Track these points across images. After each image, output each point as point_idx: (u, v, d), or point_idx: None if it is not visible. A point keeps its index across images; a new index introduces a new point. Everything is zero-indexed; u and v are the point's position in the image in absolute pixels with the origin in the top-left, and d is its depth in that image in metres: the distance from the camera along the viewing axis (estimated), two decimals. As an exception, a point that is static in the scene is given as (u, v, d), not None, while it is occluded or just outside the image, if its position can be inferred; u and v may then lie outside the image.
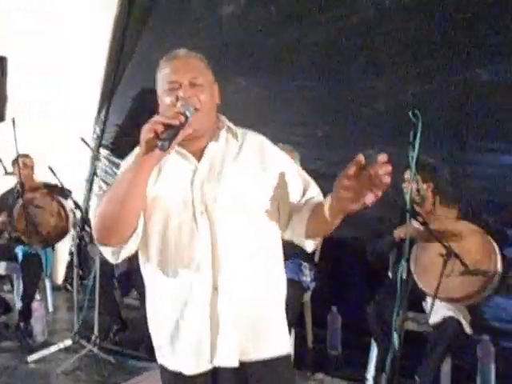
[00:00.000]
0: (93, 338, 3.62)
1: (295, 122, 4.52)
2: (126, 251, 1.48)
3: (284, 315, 1.65)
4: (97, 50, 5.45)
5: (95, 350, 3.55)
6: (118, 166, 5.24)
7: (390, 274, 3.39)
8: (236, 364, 1.50)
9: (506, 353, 3.19)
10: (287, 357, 1.57)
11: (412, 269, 2.90)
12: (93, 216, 1.43)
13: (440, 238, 2.83)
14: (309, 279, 3.45)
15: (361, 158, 1.24)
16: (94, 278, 3.60)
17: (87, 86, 5.53)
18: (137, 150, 1.41)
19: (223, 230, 1.48)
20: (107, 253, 1.49)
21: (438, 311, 2.87)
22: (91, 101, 5.64)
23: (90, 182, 5.84)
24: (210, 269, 1.45)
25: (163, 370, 1.59)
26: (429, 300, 2.93)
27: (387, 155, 1.21)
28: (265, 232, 1.56)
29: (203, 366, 1.50)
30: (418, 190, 3.06)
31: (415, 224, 3.02)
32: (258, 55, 4.73)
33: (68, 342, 3.70)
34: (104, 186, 5.60)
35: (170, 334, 1.53)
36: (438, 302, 2.81)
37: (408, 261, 2.19)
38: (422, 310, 3.11)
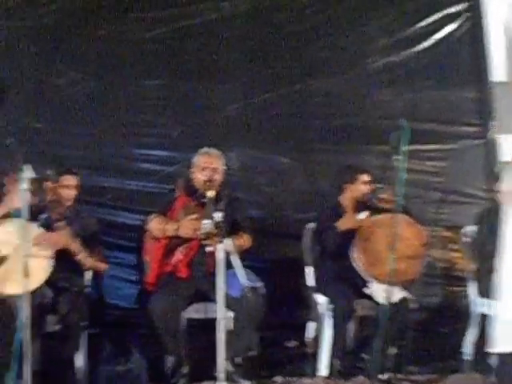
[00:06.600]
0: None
1: (146, 123, 4.44)
2: None
3: None
4: None
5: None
6: None
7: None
8: None
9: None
10: None
11: (360, 259, 3.36)
12: None
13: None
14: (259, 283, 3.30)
15: None
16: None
17: None
18: None
19: None
20: None
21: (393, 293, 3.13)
22: None
23: None
24: None
25: None
26: (375, 285, 3.34)
27: None
28: None
29: None
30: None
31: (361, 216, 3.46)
32: (95, 49, 4.40)
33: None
34: None
35: None
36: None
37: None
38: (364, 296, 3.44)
